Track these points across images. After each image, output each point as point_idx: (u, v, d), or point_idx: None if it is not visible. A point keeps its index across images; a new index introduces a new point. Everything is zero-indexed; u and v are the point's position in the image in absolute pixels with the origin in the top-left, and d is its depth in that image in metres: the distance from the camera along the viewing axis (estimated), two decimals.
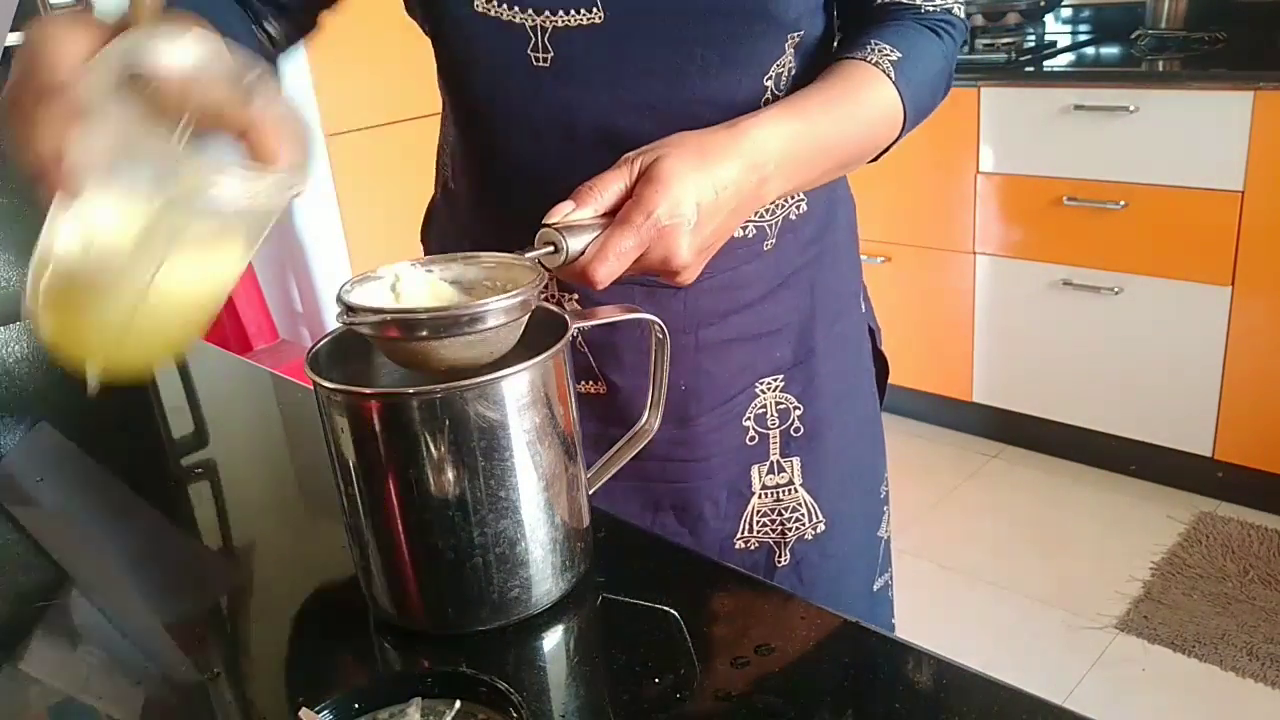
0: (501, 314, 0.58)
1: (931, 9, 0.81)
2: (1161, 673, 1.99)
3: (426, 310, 0.58)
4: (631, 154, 0.65)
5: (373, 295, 0.62)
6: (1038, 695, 0.54)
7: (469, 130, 0.81)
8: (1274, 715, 1.87)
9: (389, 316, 0.58)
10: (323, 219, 2.87)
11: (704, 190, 0.64)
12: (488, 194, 0.83)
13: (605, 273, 0.62)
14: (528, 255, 0.62)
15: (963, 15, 0.83)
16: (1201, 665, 1.99)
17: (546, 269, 0.62)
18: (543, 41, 0.71)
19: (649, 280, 0.79)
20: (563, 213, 0.62)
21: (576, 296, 0.81)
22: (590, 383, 0.83)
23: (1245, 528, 2.36)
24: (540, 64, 0.72)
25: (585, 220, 0.63)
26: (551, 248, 0.62)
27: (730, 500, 0.86)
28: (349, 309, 0.59)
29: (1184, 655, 2.02)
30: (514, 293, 0.58)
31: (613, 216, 0.63)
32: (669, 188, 0.62)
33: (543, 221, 0.62)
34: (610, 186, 0.63)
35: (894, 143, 0.80)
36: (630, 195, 0.63)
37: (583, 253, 0.62)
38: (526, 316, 0.61)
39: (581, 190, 0.63)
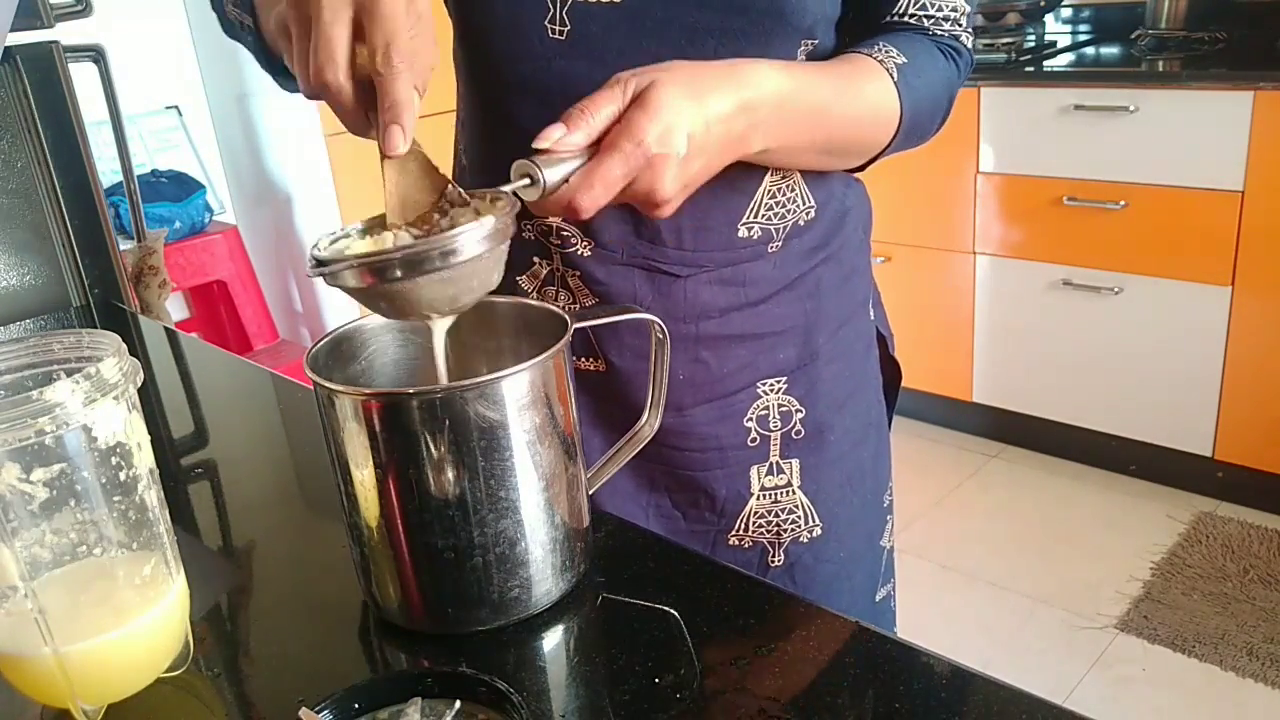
0: (475, 244, 0.56)
1: (940, 33, 0.81)
2: (1161, 673, 1.99)
3: (397, 249, 0.56)
4: (625, 74, 0.64)
5: (351, 247, 0.60)
6: (1038, 695, 0.54)
7: (481, 98, 0.81)
8: (1274, 715, 1.87)
9: (357, 262, 0.56)
10: (323, 219, 2.87)
11: (695, 122, 0.63)
12: (495, 160, 0.83)
13: (590, 201, 0.61)
14: (503, 189, 0.60)
15: (970, 46, 0.83)
16: (1201, 665, 1.99)
17: (524, 203, 0.61)
18: (561, 14, 0.72)
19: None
20: (553, 137, 0.61)
21: (579, 274, 0.80)
22: (590, 359, 0.83)
23: (1245, 528, 2.36)
24: (556, 36, 0.73)
25: (563, 150, 0.61)
26: (527, 180, 0.60)
27: (729, 500, 0.86)
28: (319, 262, 0.57)
29: (1184, 655, 2.02)
30: (483, 221, 0.56)
31: (594, 147, 0.62)
32: (662, 115, 0.61)
33: (532, 146, 0.61)
34: (601, 110, 0.62)
35: (885, 151, 0.80)
36: (620, 120, 0.62)
37: (563, 182, 0.61)
38: (505, 248, 0.60)
39: (572, 113, 0.62)
